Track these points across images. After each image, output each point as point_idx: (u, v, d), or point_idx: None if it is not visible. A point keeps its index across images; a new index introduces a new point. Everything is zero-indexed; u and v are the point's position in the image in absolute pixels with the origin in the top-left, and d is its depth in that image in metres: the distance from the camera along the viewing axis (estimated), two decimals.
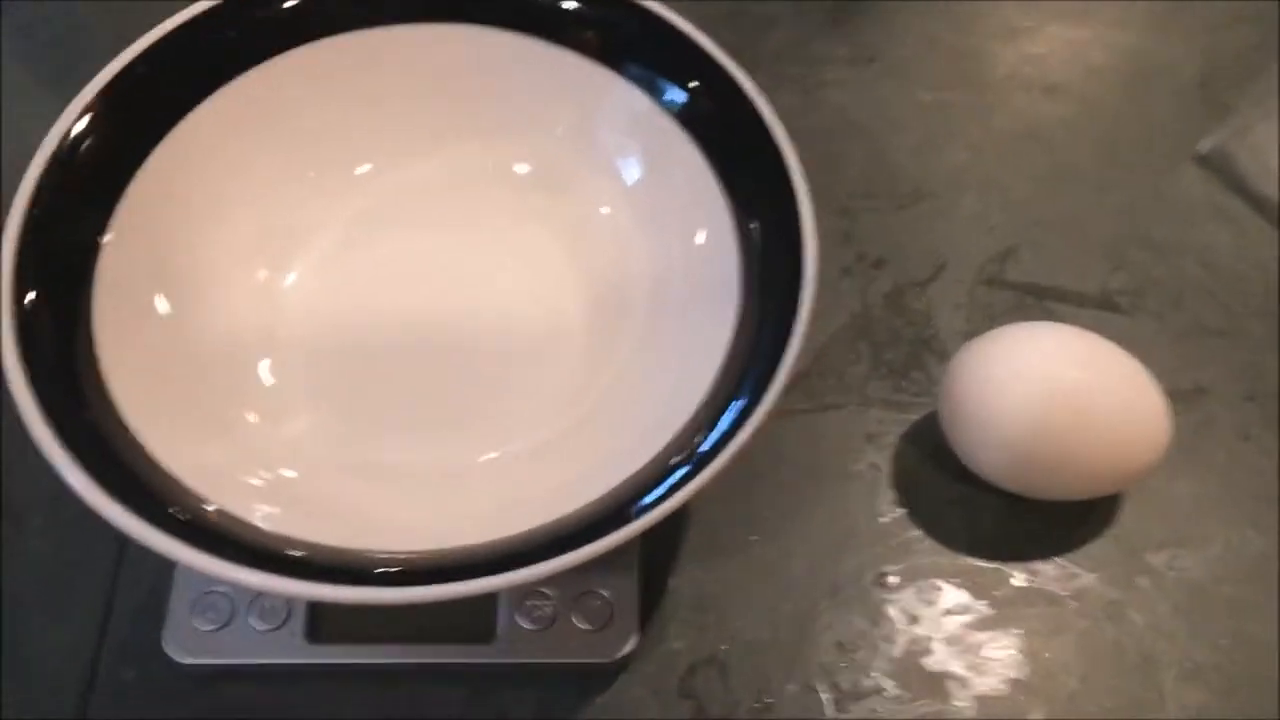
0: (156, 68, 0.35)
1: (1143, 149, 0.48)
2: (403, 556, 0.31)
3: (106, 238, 0.33)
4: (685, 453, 0.31)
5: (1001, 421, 0.36)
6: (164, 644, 0.36)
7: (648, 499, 0.31)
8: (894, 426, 0.42)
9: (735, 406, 0.32)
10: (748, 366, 0.33)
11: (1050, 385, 0.36)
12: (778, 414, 0.41)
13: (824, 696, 0.37)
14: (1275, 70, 0.47)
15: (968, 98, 0.50)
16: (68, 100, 0.34)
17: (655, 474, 0.31)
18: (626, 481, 0.32)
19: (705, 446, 0.32)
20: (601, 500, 0.31)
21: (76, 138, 0.33)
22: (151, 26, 0.35)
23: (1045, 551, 0.39)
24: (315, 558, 0.30)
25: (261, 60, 0.36)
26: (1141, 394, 0.37)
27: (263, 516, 0.31)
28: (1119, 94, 0.50)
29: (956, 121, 0.49)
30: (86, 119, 0.33)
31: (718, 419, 0.32)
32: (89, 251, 0.33)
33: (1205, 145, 0.48)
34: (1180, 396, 0.42)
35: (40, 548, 0.39)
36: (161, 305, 0.34)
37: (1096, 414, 0.36)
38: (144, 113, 0.35)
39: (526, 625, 0.36)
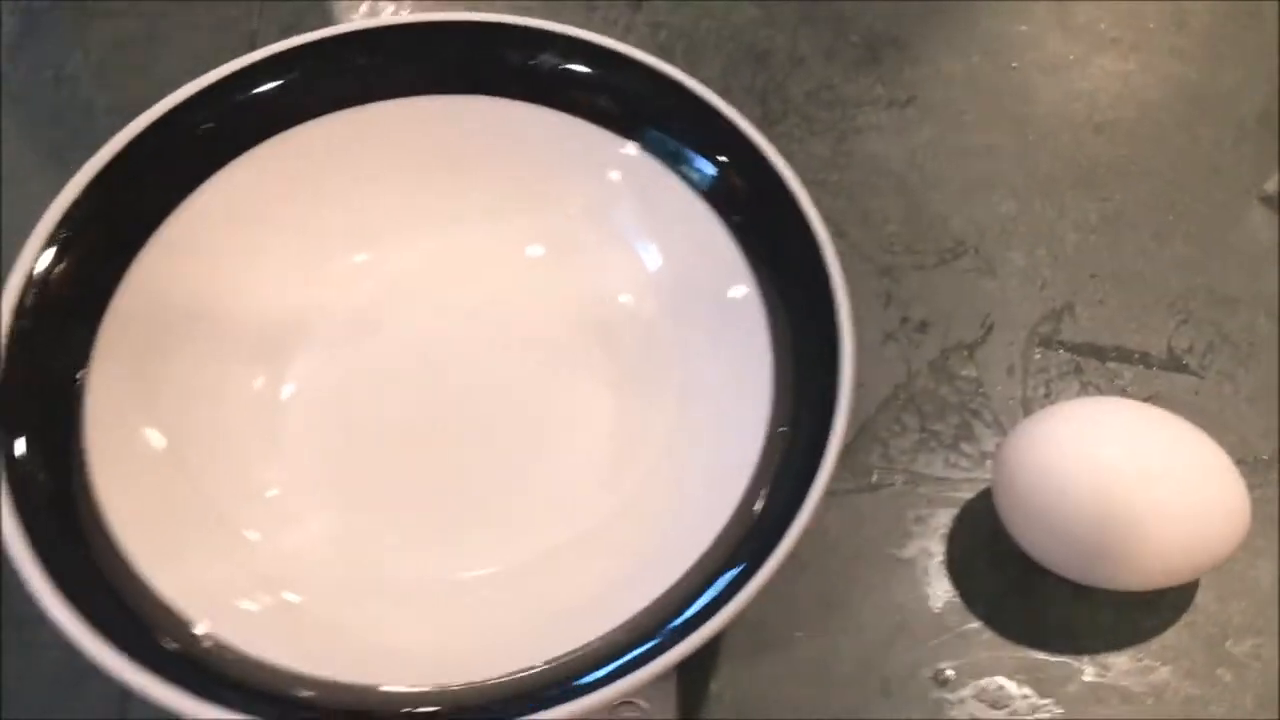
0: (124, 175, 0.32)
1: (1204, 191, 0.45)
2: (429, 694, 0.28)
3: (91, 367, 0.31)
4: (733, 554, 0.29)
5: (1062, 511, 0.33)
6: None
7: (696, 607, 0.28)
8: (945, 506, 0.39)
9: (782, 496, 0.30)
10: (789, 455, 0.31)
11: (1115, 471, 0.33)
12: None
13: None
14: None
15: (1011, 140, 0.47)
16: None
17: (703, 579, 0.29)
18: (671, 589, 0.29)
19: (755, 544, 0.29)
20: (646, 613, 0.29)
21: (46, 268, 0.31)
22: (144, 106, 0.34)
23: (1116, 643, 0.36)
24: (324, 696, 0.28)
25: (245, 149, 0.33)
26: (1218, 476, 0.34)
27: (269, 648, 0.29)
28: (1175, 131, 0.47)
29: (1000, 167, 0.46)
30: (54, 247, 0.31)
31: (766, 515, 0.30)
32: (74, 384, 0.31)
33: (1272, 185, 0.45)
34: (1258, 465, 0.39)
35: (51, 659, 0.37)
36: (154, 435, 0.32)
37: (1169, 501, 0.33)
38: (118, 224, 0.32)
39: None
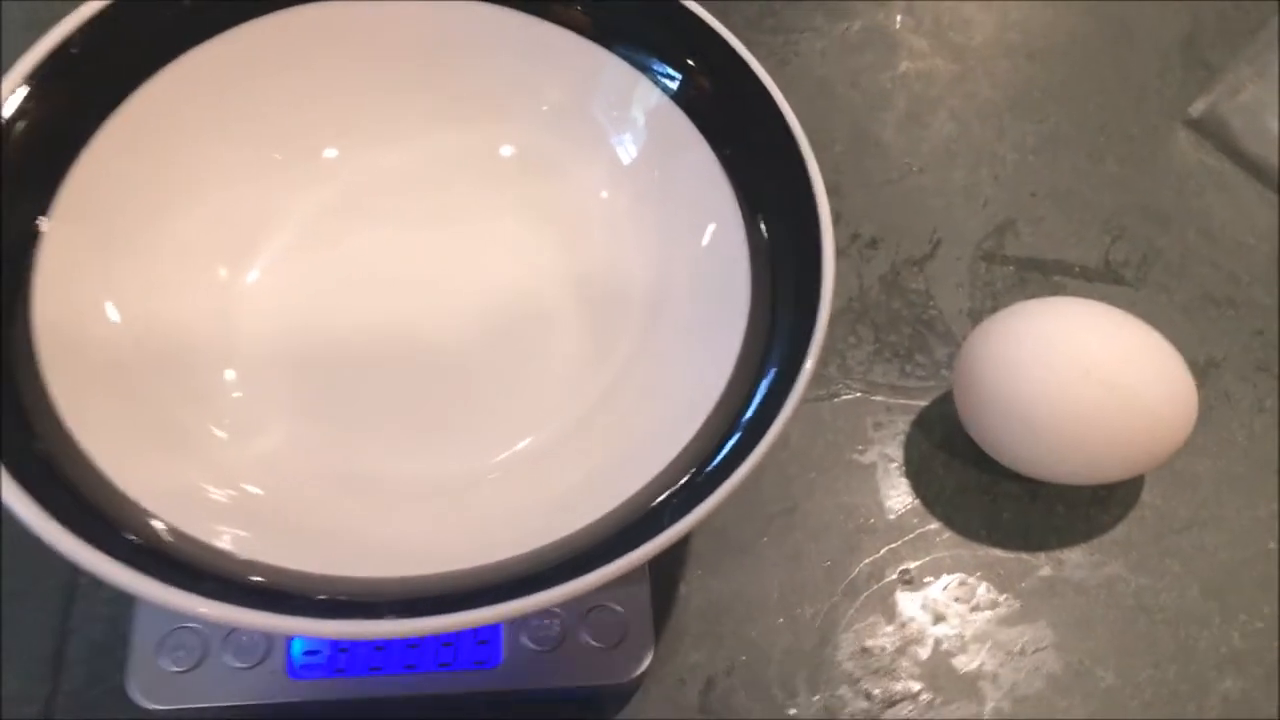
0: (101, 37, 0.30)
1: (1133, 114, 0.47)
2: (394, 582, 0.27)
3: (44, 230, 0.29)
4: (715, 446, 0.29)
5: (1025, 405, 0.34)
6: (128, 689, 0.32)
7: (677, 501, 0.28)
8: (902, 413, 0.39)
9: (762, 390, 0.29)
10: (769, 349, 0.31)
11: (1076, 363, 0.34)
12: None
13: (854, 704, 0.34)
14: (1274, 28, 0.45)
15: (950, 66, 0.47)
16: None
17: (682, 472, 0.29)
18: (650, 484, 0.29)
19: (734, 439, 0.29)
20: (625, 506, 0.28)
21: (10, 118, 0.29)
22: None
23: (1070, 539, 0.37)
24: (296, 586, 0.27)
25: (222, 30, 0.32)
26: (1170, 369, 0.35)
27: (233, 541, 0.28)
28: (1104, 58, 0.48)
29: (940, 91, 0.47)
30: (20, 95, 0.29)
31: (746, 407, 0.29)
32: (26, 246, 0.29)
33: (1196, 109, 0.46)
34: (1193, 370, 0.40)
35: None
36: (110, 309, 0.30)
37: (1125, 392, 0.34)
38: (88, 88, 0.30)
39: (532, 646, 0.33)
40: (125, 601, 0.33)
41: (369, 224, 0.35)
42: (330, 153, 0.35)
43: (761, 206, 0.33)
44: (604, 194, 0.35)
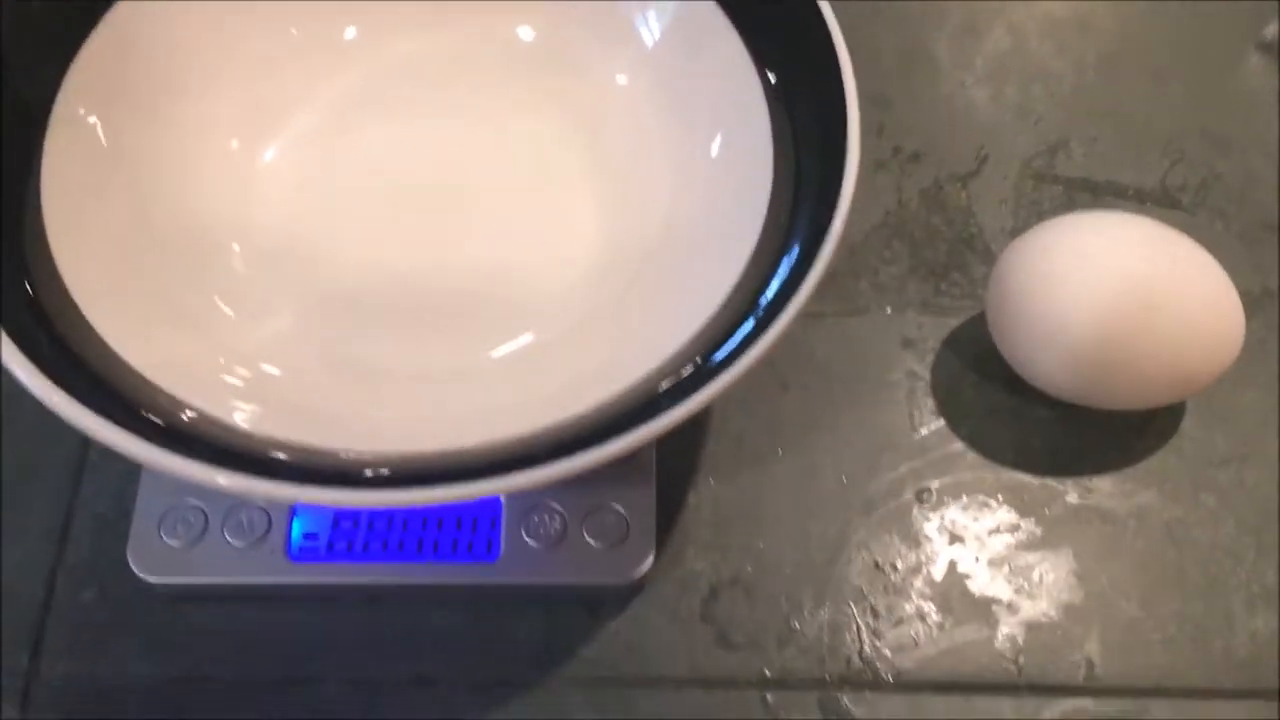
0: None
1: (1203, 36, 0.44)
2: (394, 457, 0.27)
3: (59, 97, 0.29)
4: (722, 337, 0.28)
5: (1061, 321, 0.32)
6: (129, 560, 0.32)
7: (676, 388, 0.27)
8: (934, 331, 0.38)
9: (775, 283, 0.28)
10: (786, 243, 0.29)
11: (1117, 279, 0.32)
12: (807, 316, 0.37)
13: (859, 622, 0.33)
14: None
15: None
16: None
17: (685, 361, 0.28)
18: (654, 371, 0.28)
19: (742, 329, 0.28)
20: (625, 393, 0.27)
21: None
22: None
23: (1101, 466, 0.36)
24: (298, 459, 0.26)
25: None
26: (1218, 290, 0.33)
27: (240, 416, 0.27)
28: None
29: (1001, 2, 0.45)
30: None
31: (757, 298, 0.28)
32: (39, 113, 0.29)
33: (1270, 31, 0.44)
34: (1247, 299, 0.38)
35: None
36: (120, 178, 0.30)
37: (1169, 312, 0.32)
38: None
39: (533, 543, 0.32)
40: (131, 477, 0.34)
41: (386, 112, 0.34)
42: (349, 33, 0.34)
43: (788, 97, 0.31)
44: (622, 79, 0.34)
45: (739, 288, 0.30)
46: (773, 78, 0.32)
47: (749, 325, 0.28)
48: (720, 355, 0.27)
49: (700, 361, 0.27)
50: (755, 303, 0.29)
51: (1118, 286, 0.32)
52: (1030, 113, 0.42)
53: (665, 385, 0.27)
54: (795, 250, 0.29)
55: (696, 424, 0.36)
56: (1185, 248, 0.33)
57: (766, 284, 0.29)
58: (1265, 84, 0.43)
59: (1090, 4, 0.45)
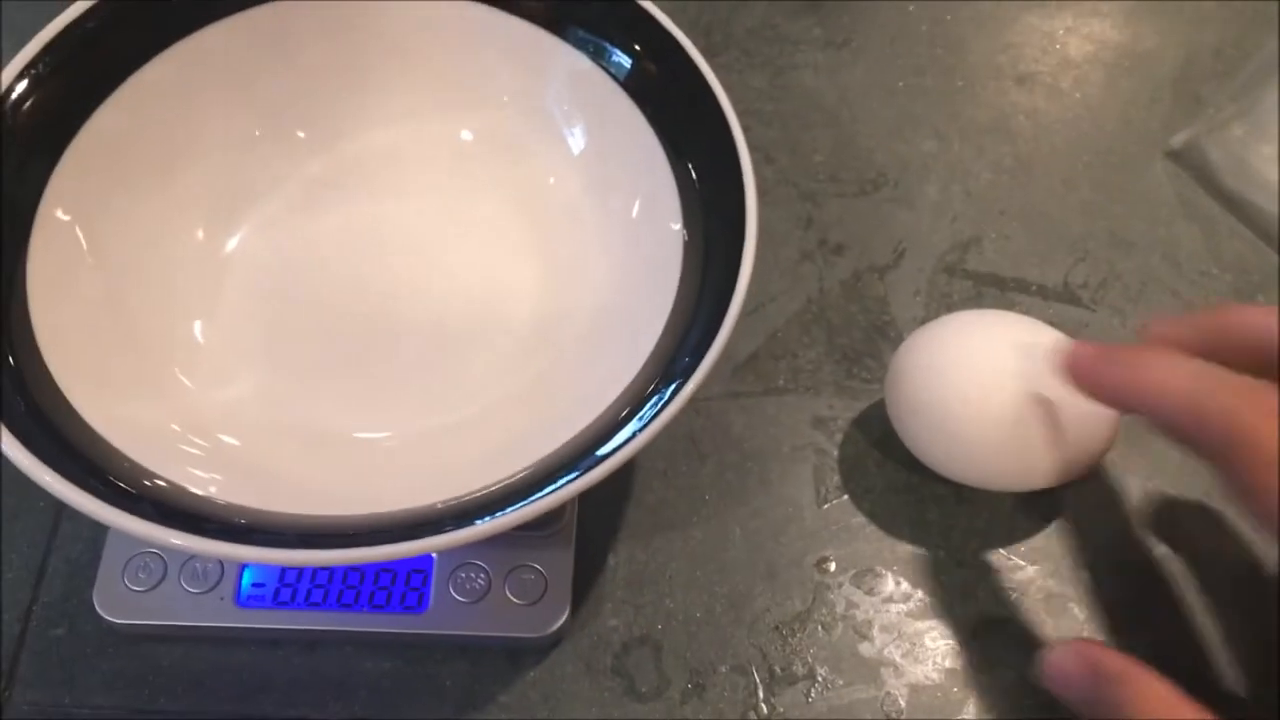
0: (103, 24, 0.34)
1: (1113, 142, 0.48)
2: (332, 521, 0.30)
3: (46, 196, 0.33)
4: (612, 427, 0.31)
5: (945, 410, 0.36)
6: (94, 603, 0.36)
7: (575, 470, 0.30)
8: (844, 412, 0.41)
9: (670, 378, 0.32)
10: (687, 332, 0.33)
11: (996, 374, 0.35)
12: (727, 395, 0.41)
13: (756, 678, 0.36)
14: (1260, 66, 0.46)
15: (939, 85, 0.49)
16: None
17: (583, 447, 0.31)
18: (556, 451, 0.31)
19: (639, 416, 0.31)
20: (529, 470, 0.31)
21: (20, 95, 0.33)
22: None
23: (989, 543, 0.39)
24: (243, 521, 0.30)
25: (210, 21, 0.35)
26: None
27: (195, 480, 0.31)
28: (1092, 86, 0.49)
29: (926, 109, 0.48)
30: (29, 76, 0.33)
31: (654, 390, 0.32)
32: (27, 209, 0.33)
33: (1178, 140, 0.47)
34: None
35: None
36: (96, 267, 0.34)
37: (1043, 406, 0.35)
38: (89, 71, 0.34)
39: (459, 597, 0.36)
40: (101, 526, 0.37)
41: (339, 200, 0.38)
42: (309, 134, 0.38)
43: (700, 193, 0.35)
44: (552, 180, 0.38)
45: (641, 375, 0.33)
46: (693, 174, 0.36)
47: (629, 428, 0.31)
48: (606, 447, 0.31)
49: (593, 446, 0.31)
50: (650, 393, 0.32)
51: (995, 382, 0.35)
52: (948, 210, 0.46)
53: (559, 468, 0.31)
54: (686, 358, 0.32)
55: (618, 489, 0.39)
56: (1062, 342, 0.36)
57: (669, 373, 0.32)
58: (1170, 189, 0.46)
59: (1010, 110, 0.48)
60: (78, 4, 0.34)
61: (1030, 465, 0.36)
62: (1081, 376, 0.32)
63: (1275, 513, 0.27)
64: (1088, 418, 0.36)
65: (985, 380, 0.35)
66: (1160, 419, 0.30)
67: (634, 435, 0.30)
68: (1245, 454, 0.27)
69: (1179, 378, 0.29)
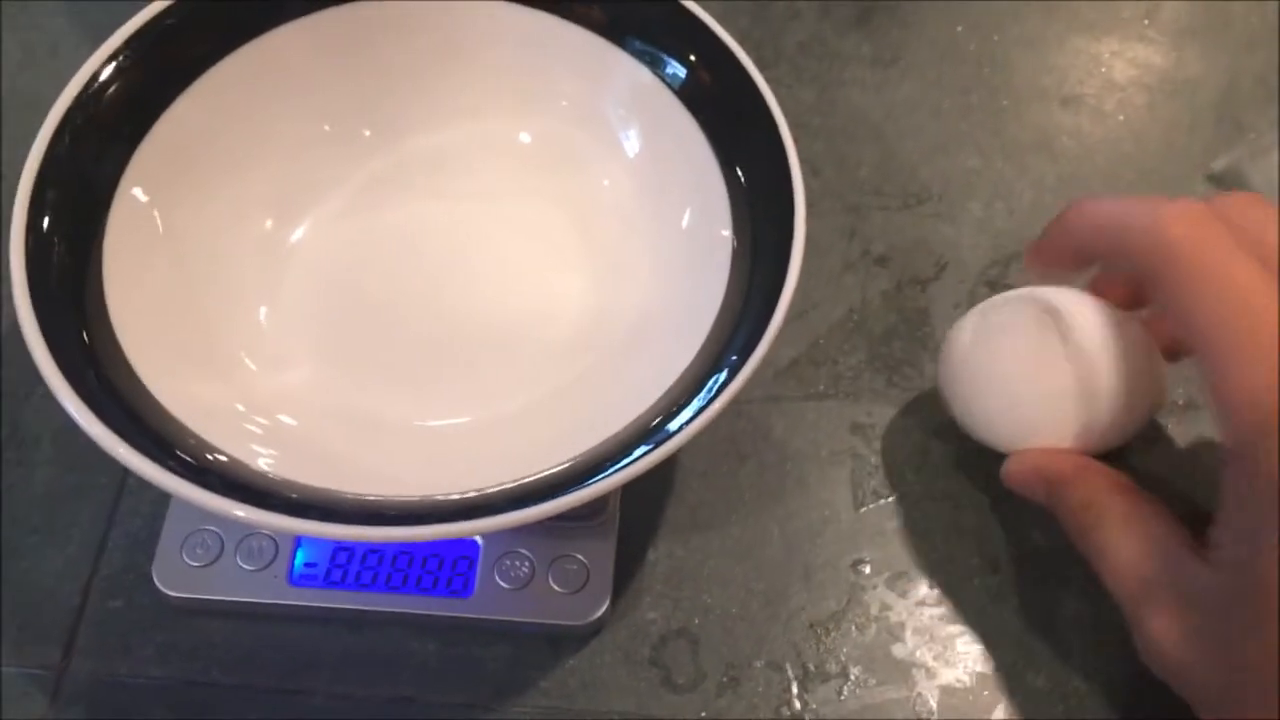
0: (184, 19, 0.36)
1: (1154, 165, 0.48)
2: (385, 501, 0.32)
3: (124, 179, 0.35)
4: (657, 423, 0.32)
5: (994, 371, 0.37)
6: (153, 577, 0.37)
7: (620, 462, 0.31)
8: (882, 419, 0.42)
9: (716, 377, 0.33)
10: (733, 334, 0.34)
11: (1043, 337, 0.35)
12: (768, 399, 0.42)
13: (790, 675, 0.37)
14: None
15: (984, 104, 0.50)
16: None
17: (628, 440, 0.32)
18: (601, 444, 0.32)
19: (683, 413, 0.32)
20: (575, 460, 0.32)
21: (104, 81, 0.34)
22: None
23: (1022, 553, 0.39)
24: (302, 497, 0.31)
25: (281, 22, 0.37)
26: (1143, 352, 0.36)
27: (256, 456, 0.32)
28: (1135, 109, 0.50)
29: (970, 128, 0.49)
30: (113, 64, 0.34)
31: (698, 388, 0.33)
32: (106, 190, 0.34)
33: (1219, 164, 0.48)
34: (1174, 410, 0.42)
35: (46, 476, 0.40)
36: (168, 249, 0.35)
37: (1091, 364, 0.35)
38: (170, 62, 0.36)
39: (503, 584, 0.37)
40: (162, 502, 0.39)
41: (401, 197, 0.39)
42: (374, 134, 0.39)
43: (750, 200, 0.36)
44: (606, 182, 0.39)
45: (686, 373, 0.34)
46: (743, 182, 0.37)
47: (688, 411, 0.32)
48: (649, 442, 0.32)
49: (636, 441, 0.32)
50: (698, 388, 0.33)
51: (1045, 341, 0.35)
52: (990, 227, 0.47)
53: (603, 461, 0.32)
54: (732, 358, 0.33)
55: (659, 487, 0.40)
56: (1129, 318, 0.36)
57: (713, 373, 0.34)
58: None
59: (1054, 130, 0.49)
60: (157, 2, 0.36)
61: (1085, 423, 0.36)
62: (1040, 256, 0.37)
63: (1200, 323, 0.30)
64: (1138, 371, 0.36)
65: (1034, 341, 0.36)
66: (1099, 250, 0.34)
67: (677, 432, 0.31)
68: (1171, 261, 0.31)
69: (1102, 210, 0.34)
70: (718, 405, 0.31)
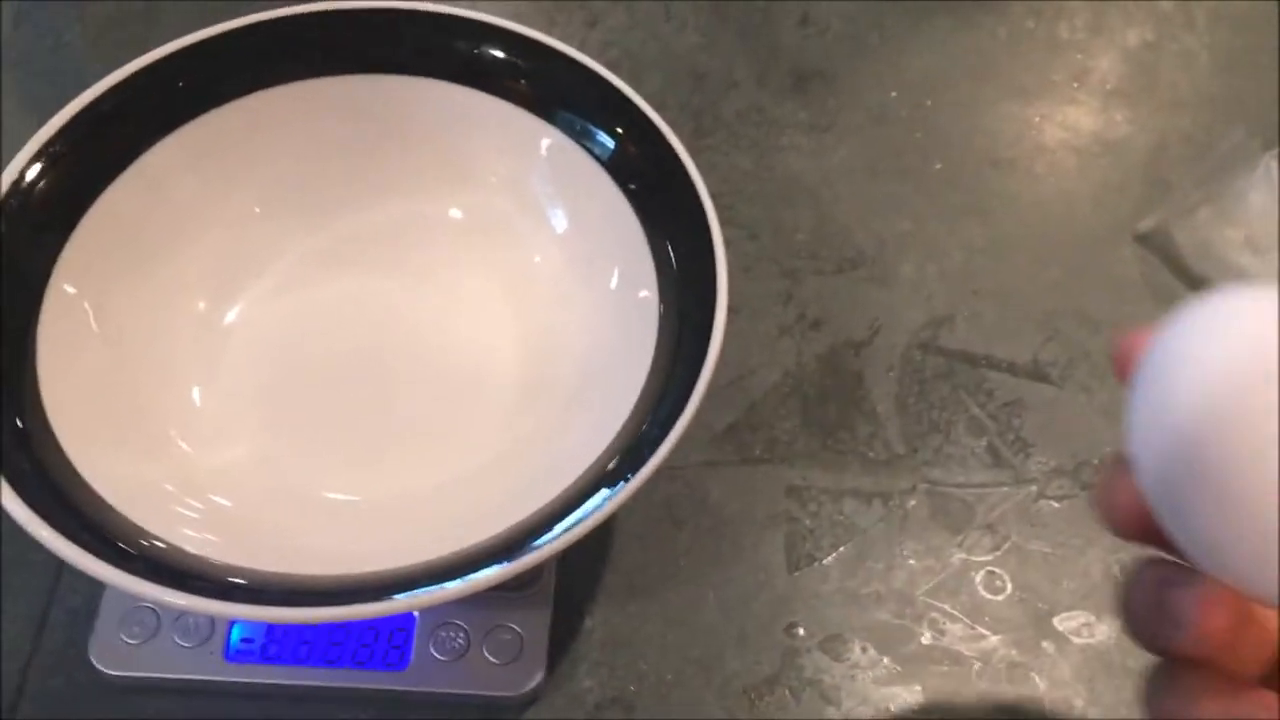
0: (116, 107, 0.37)
1: (1085, 225, 0.50)
2: (315, 579, 0.32)
3: (57, 267, 0.35)
4: (585, 494, 0.33)
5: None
6: (90, 654, 0.37)
7: (546, 534, 0.32)
8: (818, 482, 0.43)
9: (643, 448, 0.33)
10: (658, 404, 0.34)
11: None
12: (704, 464, 0.42)
13: None
14: (1217, 154, 0.48)
15: (917, 167, 0.51)
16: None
17: (556, 512, 0.33)
18: (530, 516, 0.33)
19: (610, 485, 0.33)
20: (502, 533, 0.32)
21: (34, 177, 0.35)
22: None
23: (953, 613, 0.40)
24: (233, 579, 0.32)
25: (211, 107, 0.38)
26: None
27: (186, 539, 0.33)
28: (1065, 170, 0.51)
29: (903, 191, 0.50)
30: (44, 158, 0.35)
31: (626, 459, 0.33)
32: (39, 278, 0.35)
33: (1146, 224, 0.49)
34: (1100, 469, 0.43)
35: None
36: (100, 331, 0.36)
37: None
38: (102, 150, 0.37)
39: (439, 655, 0.37)
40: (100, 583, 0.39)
41: (335, 273, 0.40)
42: (307, 213, 0.40)
43: (677, 270, 0.37)
44: (537, 258, 0.40)
45: (614, 442, 0.35)
46: (670, 250, 0.37)
47: (609, 487, 0.33)
48: (578, 513, 0.32)
49: (566, 511, 0.32)
50: (622, 462, 0.34)
51: None
52: (923, 289, 0.48)
53: (527, 535, 0.32)
54: (656, 431, 0.34)
55: (595, 553, 0.41)
56: None
57: (640, 443, 0.34)
58: (1138, 271, 0.48)
59: (985, 193, 0.50)
60: (92, 88, 0.37)
61: None
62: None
63: None
64: None
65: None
66: None
67: (606, 501, 0.32)
68: None
69: None
70: (641, 476, 0.32)
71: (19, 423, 0.33)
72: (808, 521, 0.42)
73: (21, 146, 0.35)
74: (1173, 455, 0.21)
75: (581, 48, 0.39)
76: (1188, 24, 0.56)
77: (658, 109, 0.38)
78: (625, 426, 0.35)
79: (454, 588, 0.30)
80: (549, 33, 0.39)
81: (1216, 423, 0.20)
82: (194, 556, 0.32)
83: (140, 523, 0.32)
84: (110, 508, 0.32)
